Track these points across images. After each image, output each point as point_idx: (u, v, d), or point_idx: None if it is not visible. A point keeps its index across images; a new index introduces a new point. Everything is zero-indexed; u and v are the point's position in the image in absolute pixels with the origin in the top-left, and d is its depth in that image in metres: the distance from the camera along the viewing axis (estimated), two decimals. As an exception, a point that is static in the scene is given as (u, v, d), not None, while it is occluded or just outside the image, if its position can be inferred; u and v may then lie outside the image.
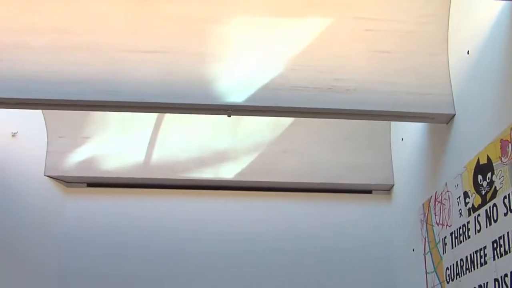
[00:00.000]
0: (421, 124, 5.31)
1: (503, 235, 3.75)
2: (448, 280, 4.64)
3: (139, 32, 4.62)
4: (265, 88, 4.55)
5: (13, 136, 6.06)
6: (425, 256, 5.17)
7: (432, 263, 4.99)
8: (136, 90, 4.50)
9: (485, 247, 4.00)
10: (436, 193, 4.96)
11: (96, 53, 4.58)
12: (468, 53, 4.41)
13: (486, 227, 4.00)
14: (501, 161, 3.84)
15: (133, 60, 4.55)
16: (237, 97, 4.55)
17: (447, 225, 4.70)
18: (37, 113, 6.08)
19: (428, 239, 5.10)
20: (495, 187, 3.90)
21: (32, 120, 6.12)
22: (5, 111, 5.64)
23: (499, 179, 3.85)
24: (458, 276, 4.44)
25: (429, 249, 5.07)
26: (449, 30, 4.74)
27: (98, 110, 5.63)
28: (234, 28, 4.63)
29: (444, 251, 4.74)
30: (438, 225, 4.89)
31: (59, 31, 4.59)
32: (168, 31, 4.61)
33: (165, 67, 4.54)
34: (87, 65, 4.55)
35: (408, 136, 5.76)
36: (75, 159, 6.23)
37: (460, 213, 4.44)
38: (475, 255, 4.15)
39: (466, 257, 4.29)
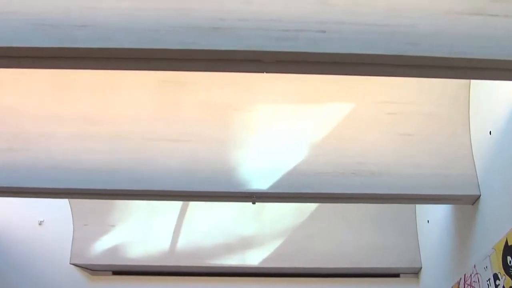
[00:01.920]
0: (447, 205, 5.28)
1: (537, 319, 3.67)
2: None
3: (163, 120, 4.67)
4: (289, 174, 4.57)
5: (39, 224, 6.12)
6: None
7: None
8: (160, 179, 4.53)
9: (518, 332, 3.91)
10: (465, 275, 4.88)
11: (121, 142, 4.63)
12: (490, 134, 4.41)
13: (519, 310, 3.92)
14: (530, 242, 3.80)
15: (157, 149, 4.59)
16: (262, 184, 4.57)
17: (478, 308, 4.61)
18: (63, 201, 6.13)
19: (459, 324, 5.00)
20: (525, 269, 3.84)
21: (58, 208, 6.18)
22: (32, 200, 5.71)
23: (529, 261, 3.80)
24: None
25: (461, 334, 4.96)
26: (470, 111, 4.76)
27: (123, 199, 5.67)
28: (258, 115, 4.69)
29: (477, 336, 4.64)
30: (469, 309, 4.79)
31: (84, 120, 4.66)
32: (192, 118, 4.66)
33: (189, 155, 4.58)
34: (111, 154, 4.59)
35: (434, 218, 5.71)
36: (101, 247, 6.23)
37: (491, 296, 4.36)
38: None
39: None
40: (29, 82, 4.64)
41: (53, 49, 3.20)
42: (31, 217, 6.16)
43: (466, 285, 4.85)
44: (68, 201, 6.17)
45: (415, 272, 6.28)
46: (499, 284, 4.22)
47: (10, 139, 4.59)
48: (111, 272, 6.44)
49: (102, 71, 4.28)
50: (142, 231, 6.22)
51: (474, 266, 4.68)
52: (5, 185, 4.56)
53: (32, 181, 4.56)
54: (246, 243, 6.20)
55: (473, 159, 4.70)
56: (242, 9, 3.26)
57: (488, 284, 4.41)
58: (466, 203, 4.82)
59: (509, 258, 4.08)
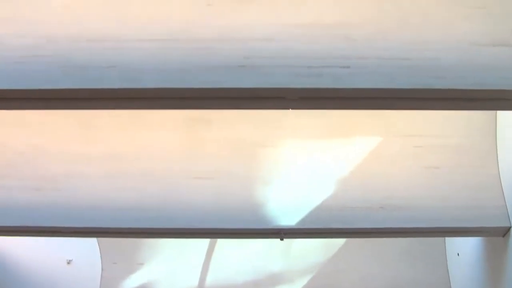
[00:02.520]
0: (477, 237, 5.21)
1: None
2: None
3: (190, 158, 4.69)
4: (317, 209, 4.54)
5: (68, 263, 6.14)
6: None
7: None
8: (188, 217, 4.53)
9: None
10: (498, 309, 4.81)
11: (148, 180, 4.64)
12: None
13: None
14: None
15: (185, 186, 4.60)
16: (289, 220, 4.54)
17: None
18: (92, 240, 6.15)
19: None
20: (560, 302, 3.77)
21: (86, 247, 6.19)
22: (60, 239, 5.73)
23: None
24: None
25: None
26: (497, 141, 4.72)
27: (151, 237, 5.68)
28: (284, 151, 4.69)
29: None
30: None
31: (112, 159, 4.68)
32: (218, 156, 4.67)
33: (217, 192, 4.58)
34: (139, 192, 4.61)
35: (464, 251, 5.63)
36: (129, 285, 6.23)
37: (525, 331, 4.28)
38: None
39: None
40: (56, 122, 4.70)
41: (80, 91, 3.25)
42: (60, 256, 6.17)
43: (499, 319, 4.77)
44: (96, 240, 6.19)
45: (447, 306, 6.19)
46: (533, 318, 4.15)
47: (38, 179, 4.64)
48: (140, 311, 6.44)
49: (128, 110, 4.33)
50: (171, 269, 6.21)
51: (507, 300, 4.61)
52: (33, 225, 4.59)
53: (60, 220, 4.59)
54: (274, 279, 6.15)
55: (502, 190, 4.65)
56: (266, 46, 3.29)
57: (521, 318, 4.34)
58: (496, 235, 4.75)
59: (542, 290, 4.01)
